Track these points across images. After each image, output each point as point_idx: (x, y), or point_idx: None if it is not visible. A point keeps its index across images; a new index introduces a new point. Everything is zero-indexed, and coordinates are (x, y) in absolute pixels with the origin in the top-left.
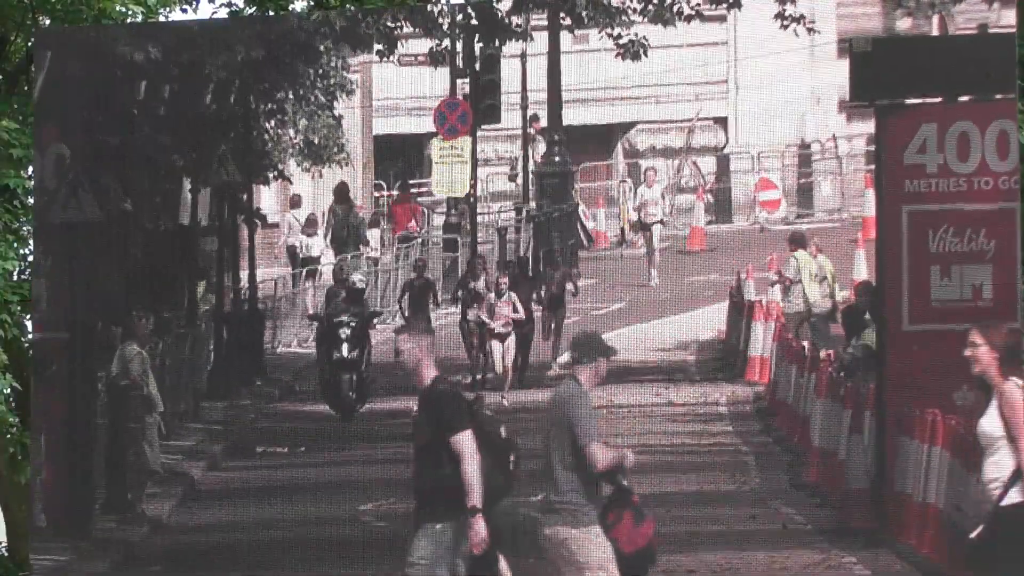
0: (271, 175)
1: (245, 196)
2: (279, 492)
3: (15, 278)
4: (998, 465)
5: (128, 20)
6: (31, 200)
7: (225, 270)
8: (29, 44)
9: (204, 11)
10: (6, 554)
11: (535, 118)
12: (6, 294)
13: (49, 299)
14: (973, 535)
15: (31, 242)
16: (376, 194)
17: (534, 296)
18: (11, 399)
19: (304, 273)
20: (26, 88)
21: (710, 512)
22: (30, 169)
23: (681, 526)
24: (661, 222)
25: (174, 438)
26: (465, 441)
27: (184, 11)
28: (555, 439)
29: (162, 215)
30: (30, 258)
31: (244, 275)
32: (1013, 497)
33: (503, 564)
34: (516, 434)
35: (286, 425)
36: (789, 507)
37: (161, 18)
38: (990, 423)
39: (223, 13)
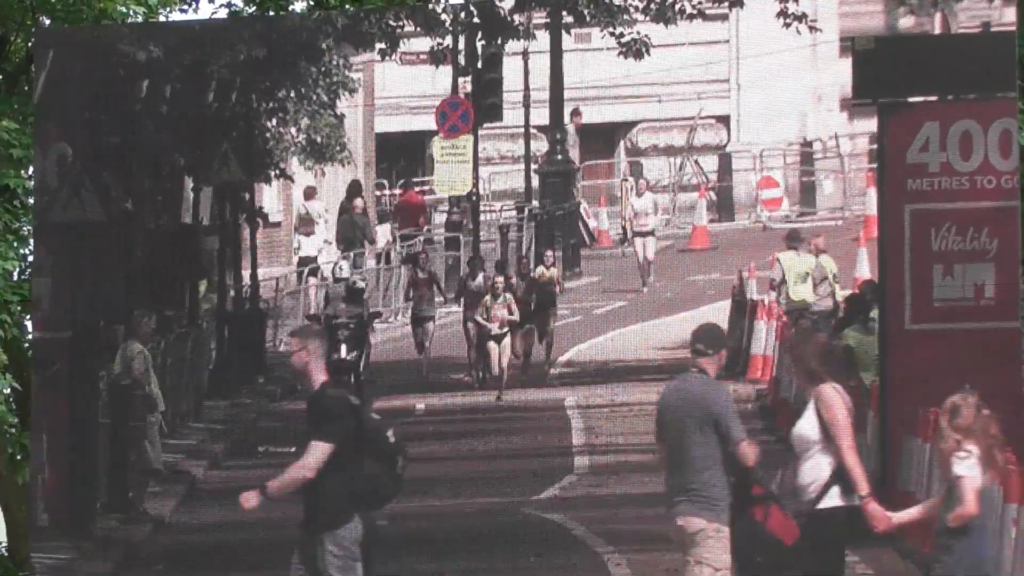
0: (273, 174)
1: (247, 195)
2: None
3: (15, 278)
4: (814, 469)
5: (129, 20)
6: (31, 200)
7: (227, 269)
8: (29, 44)
9: (204, 11)
10: (6, 554)
11: (576, 112)
12: (6, 294)
13: (51, 298)
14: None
15: (31, 242)
16: (378, 192)
17: (533, 296)
18: (11, 399)
19: (307, 272)
20: (26, 88)
21: None
22: (30, 169)
23: None
24: (652, 233)
25: (176, 437)
26: (317, 450)
27: (184, 11)
28: (697, 435)
29: (164, 214)
30: (30, 258)
31: (246, 274)
32: (830, 501)
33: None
34: (405, 438)
35: (288, 424)
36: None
37: (161, 18)
38: (807, 427)
39: (223, 13)
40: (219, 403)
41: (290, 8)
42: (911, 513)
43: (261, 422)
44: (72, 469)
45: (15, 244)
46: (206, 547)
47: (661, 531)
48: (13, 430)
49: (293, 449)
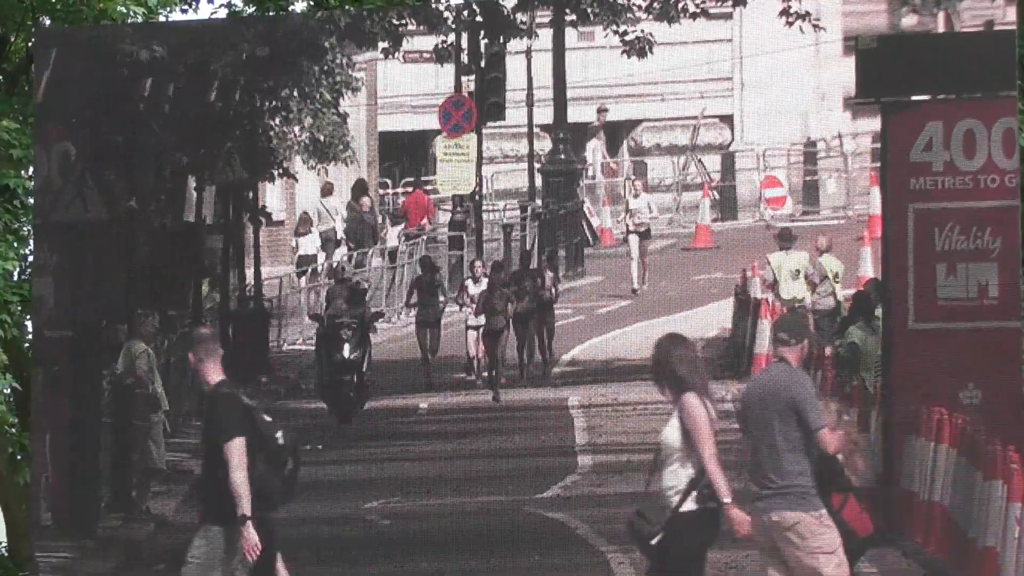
0: (276, 173)
1: (250, 194)
2: None
3: (15, 278)
4: (674, 474)
5: (129, 20)
6: (31, 200)
7: (230, 268)
8: (29, 44)
9: (204, 11)
10: (6, 554)
11: (603, 109)
12: (6, 294)
13: (54, 298)
14: (654, 542)
15: (31, 242)
16: (381, 192)
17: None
18: (11, 399)
19: (310, 272)
20: (26, 88)
21: None
22: (30, 169)
23: None
24: (648, 234)
25: (179, 436)
26: (234, 449)
27: (184, 11)
28: (780, 424)
29: (167, 213)
30: (30, 258)
31: (249, 273)
32: (688, 504)
33: (280, 565)
34: (298, 441)
35: (291, 423)
36: None
37: (161, 18)
38: (671, 434)
39: (223, 13)
40: None
41: (290, 8)
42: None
43: None
44: (75, 468)
45: (15, 244)
46: None
47: None
48: (13, 430)
49: (307, 447)
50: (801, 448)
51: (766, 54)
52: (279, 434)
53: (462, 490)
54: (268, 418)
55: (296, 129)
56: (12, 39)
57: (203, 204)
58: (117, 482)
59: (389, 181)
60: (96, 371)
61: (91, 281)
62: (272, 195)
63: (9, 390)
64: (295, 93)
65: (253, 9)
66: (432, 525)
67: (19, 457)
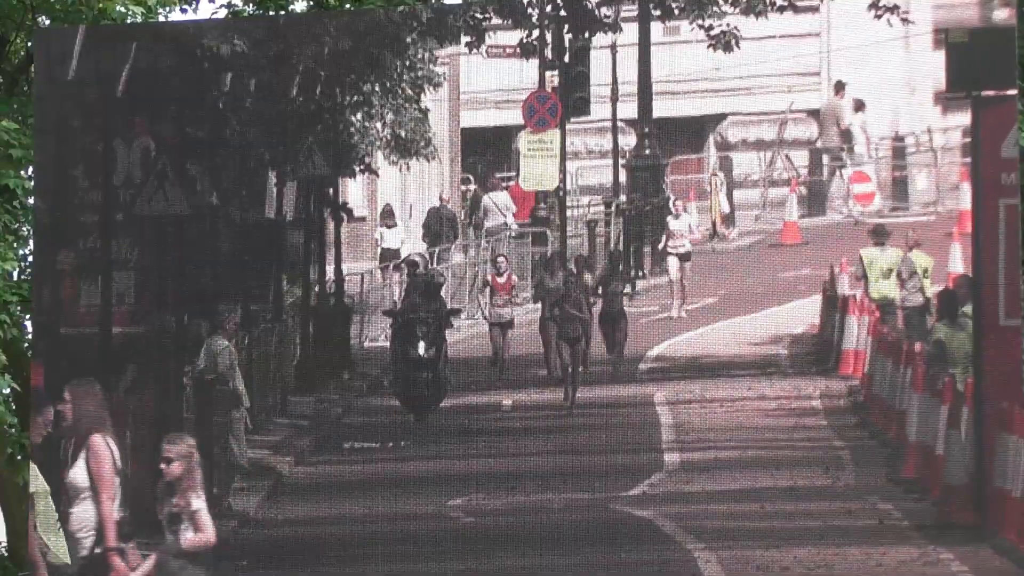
0: (358, 168)
1: (331, 189)
2: (367, 487)
3: (15, 278)
4: (85, 514)
5: (128, 21)
6: (31, 200)
7: (311, 264)
8: (29, 44)
9: (204, 11)
10: (6, 554)
11: (840, 86)
12: (6, 294)
13: (136, 293)
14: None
15: (31, 242)
16: (463, 187)
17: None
18: (11, 399)
19: (392, 267)
20: (26, 88)
21: (804, 507)
22: (30, 169)
23: (775, 521)
24: (688, 256)
25: (261, 433)
26: None
27: (184, 11)
28: None
29: (248, 208)
30: (30, 258)
31: (330, 269)
32: (102, 545)
33: None
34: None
35: (374, 420)
36: (886, 503)
37: (161, 18)
38: (78, 474)
39: (223, 13)
40: (304, 399)
41: (290, 7)
42: (146, 567)
43: (347, 418)
44: (156, 465)
45: (15, 244)
46: (292, 542)
47: (752, 527)
48: (13, 430)
49: (377, 445)
50: None
51: (854, 48)
52: None
53: (547, 487)
54: None
55: (378, 124)
56: (12, 39)
57: (284, 199)
58: None
59: (471, 176)
60: (179, 367)
61: (173, 276)
62: (353, 191)
63: (8, 390)
64: (377, 88)
65: (253, 8)
66: (517, 522)
67: (19, 457)
